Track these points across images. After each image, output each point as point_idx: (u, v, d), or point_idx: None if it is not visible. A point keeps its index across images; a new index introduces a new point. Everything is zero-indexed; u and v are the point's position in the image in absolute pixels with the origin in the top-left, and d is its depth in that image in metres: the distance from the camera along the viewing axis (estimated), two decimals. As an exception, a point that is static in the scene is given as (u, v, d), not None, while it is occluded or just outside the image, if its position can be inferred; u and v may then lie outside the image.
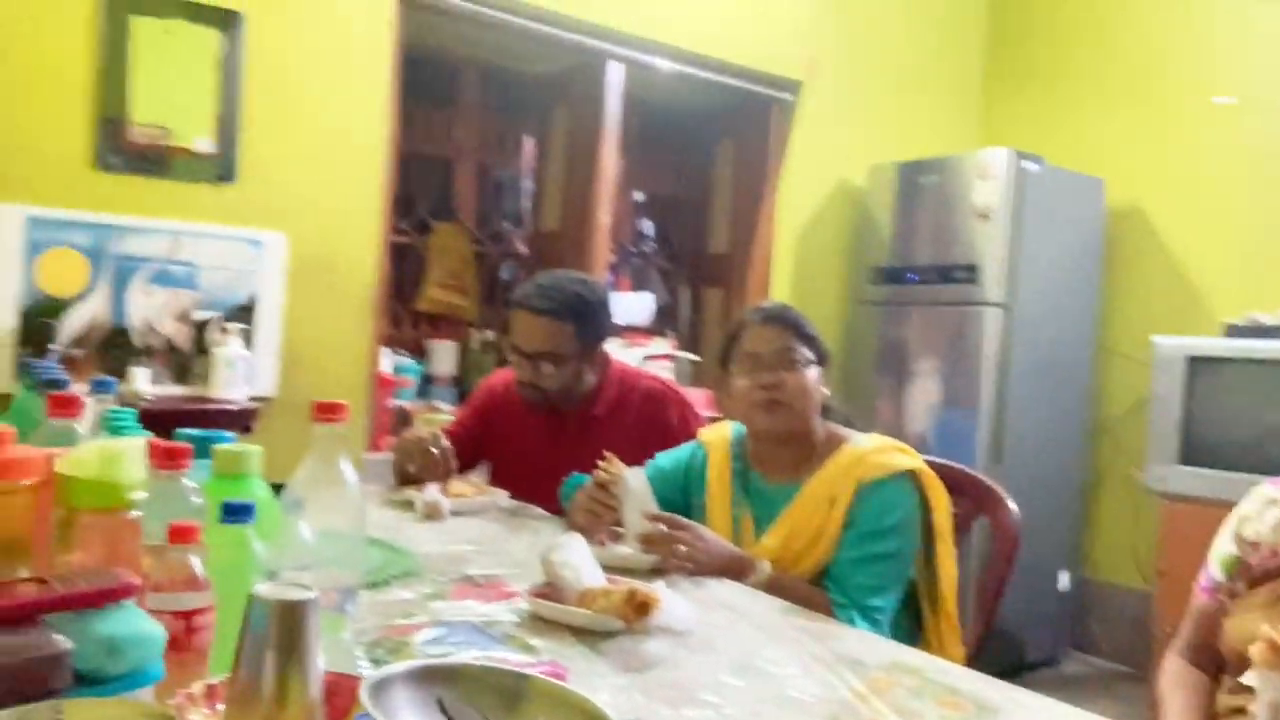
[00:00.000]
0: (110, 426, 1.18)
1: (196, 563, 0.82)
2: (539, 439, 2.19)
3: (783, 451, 1.71)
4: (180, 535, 0.82)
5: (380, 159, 2.98)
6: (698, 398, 2.71)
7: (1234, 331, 3.04)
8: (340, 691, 0.73)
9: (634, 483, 1.62)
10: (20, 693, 0.63)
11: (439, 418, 2.50)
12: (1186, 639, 1.46)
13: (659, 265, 4.35)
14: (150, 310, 2.64)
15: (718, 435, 1.84)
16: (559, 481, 1.91)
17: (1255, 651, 1.18)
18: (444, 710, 0.74)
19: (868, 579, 1.56)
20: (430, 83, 3.74)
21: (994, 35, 4.35)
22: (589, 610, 1.21)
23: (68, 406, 1.13)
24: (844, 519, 1.60)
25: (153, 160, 2.62)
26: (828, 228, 3.95)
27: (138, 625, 0.73)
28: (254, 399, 2.70)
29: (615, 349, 2.77)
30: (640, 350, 3.68)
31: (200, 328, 2.70)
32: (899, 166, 3.75)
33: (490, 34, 3.32)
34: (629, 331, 3.82)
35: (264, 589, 0.66)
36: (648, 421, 2.15)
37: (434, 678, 0.76)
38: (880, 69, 4.02)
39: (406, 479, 2.05)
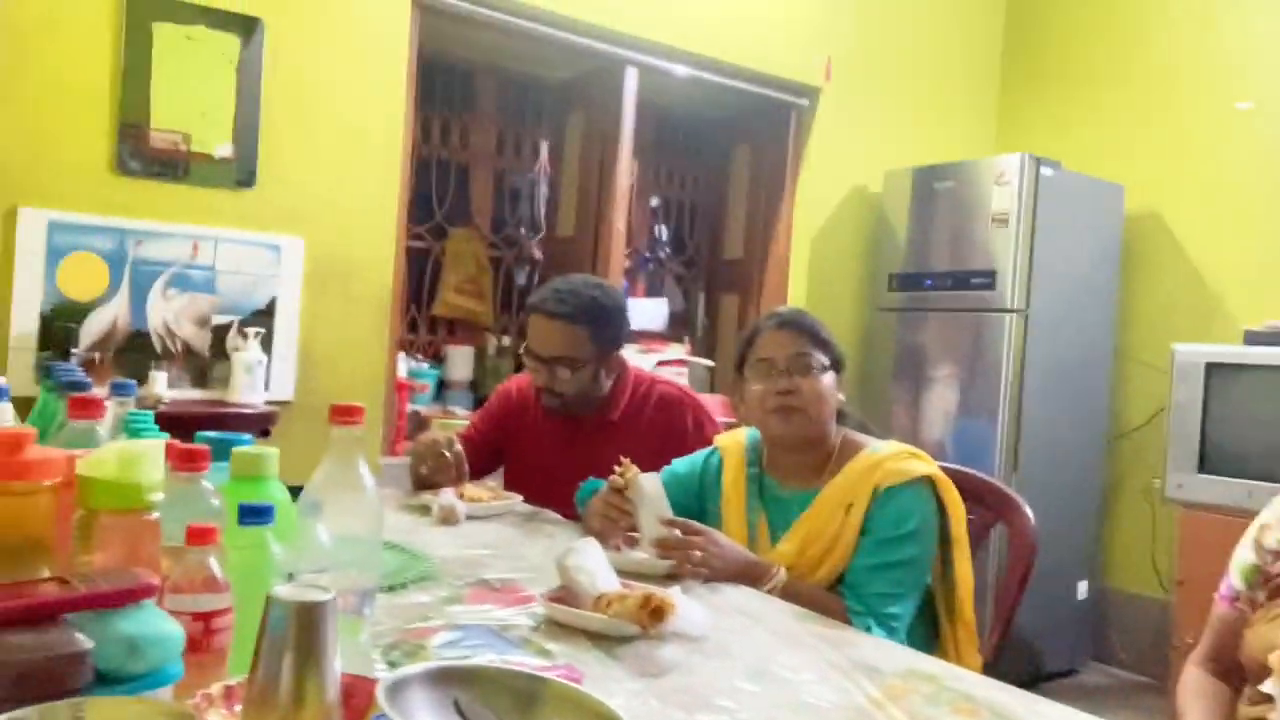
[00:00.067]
0: (130, 429, 1.19)
1: (215, 564, 0.82)
2: (555, 444, 2.19)
3: (798, 457, 1.71)
4: (199, 537, 0.82)
5: (397, 164, 3.00)
6: (713, 403, 2.71)
7: (1254, 338, 3.00)
8: (357, 693, 0.73)
9: (649, 488, 1.61)
10: (42, 691, 0.64)
11: (455, 422, 2.50)
12: (1206, 649, 1.44)
13: (674, 271, 4.36)
14: (169, 314, 2.66)
15: (733, 441, 1.83)
16: (575, 486, 1.91)
17: (1275, 660, 1.17)
18: (460, 712, 0.75)
19: (884, 586, 1.55)
20: (447, 88, 3.76)
21: (1011, 40, 4.33)
22: (604, 615, 1.20)
23: (89, 408, 1.14)
24: (860, 525, 1.60)
25: (173, 165, 2.64)
26: (844, 233, 3.95)
27: (158, 625, 0.74)
28: (272, 403, 2.71)
29: (631, 354, 2.77)
30: (655, 355, 3.69)
31: (219, 332, 2.73)
32: (915, 172, 3.73)
33: (506, 40, 3.34)
34: (644, 337, 3.83)
35: (282, 591, 0.66)
36: (663, 427, 2.15)
37: (450, 679, 0.77)
38: (897, 74, 4.01)
39: (422, 483, 2.06)
